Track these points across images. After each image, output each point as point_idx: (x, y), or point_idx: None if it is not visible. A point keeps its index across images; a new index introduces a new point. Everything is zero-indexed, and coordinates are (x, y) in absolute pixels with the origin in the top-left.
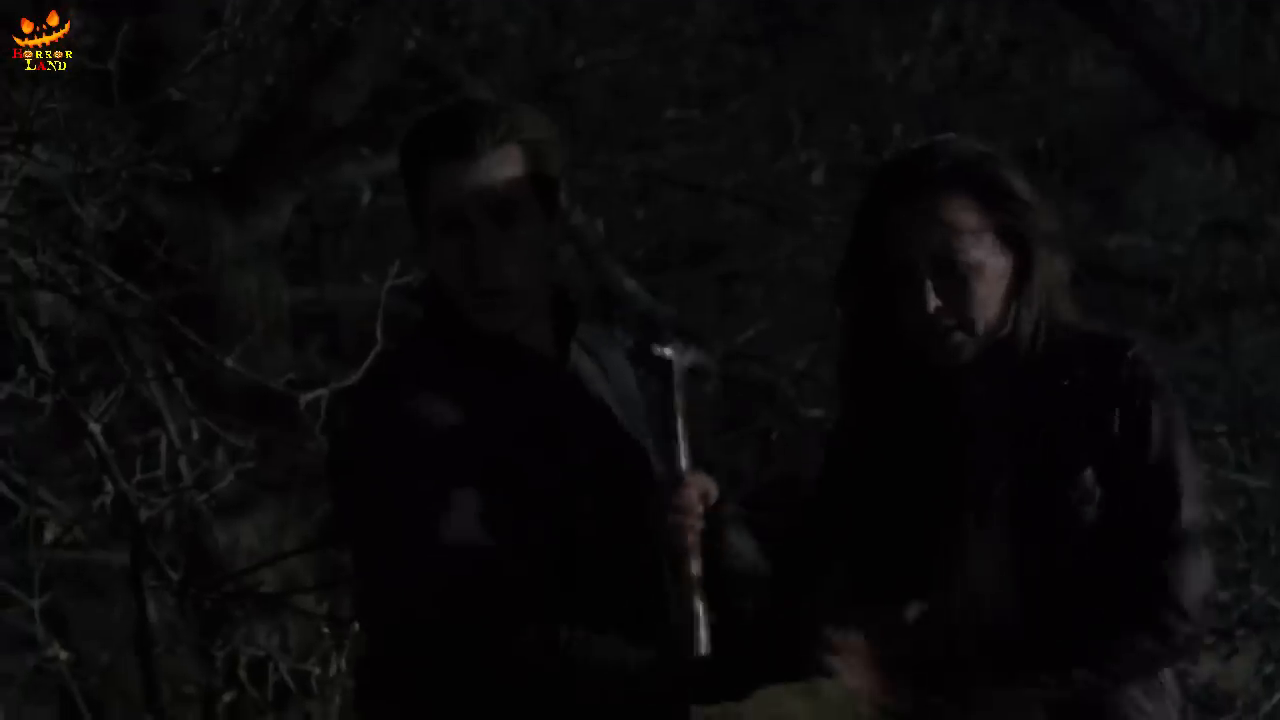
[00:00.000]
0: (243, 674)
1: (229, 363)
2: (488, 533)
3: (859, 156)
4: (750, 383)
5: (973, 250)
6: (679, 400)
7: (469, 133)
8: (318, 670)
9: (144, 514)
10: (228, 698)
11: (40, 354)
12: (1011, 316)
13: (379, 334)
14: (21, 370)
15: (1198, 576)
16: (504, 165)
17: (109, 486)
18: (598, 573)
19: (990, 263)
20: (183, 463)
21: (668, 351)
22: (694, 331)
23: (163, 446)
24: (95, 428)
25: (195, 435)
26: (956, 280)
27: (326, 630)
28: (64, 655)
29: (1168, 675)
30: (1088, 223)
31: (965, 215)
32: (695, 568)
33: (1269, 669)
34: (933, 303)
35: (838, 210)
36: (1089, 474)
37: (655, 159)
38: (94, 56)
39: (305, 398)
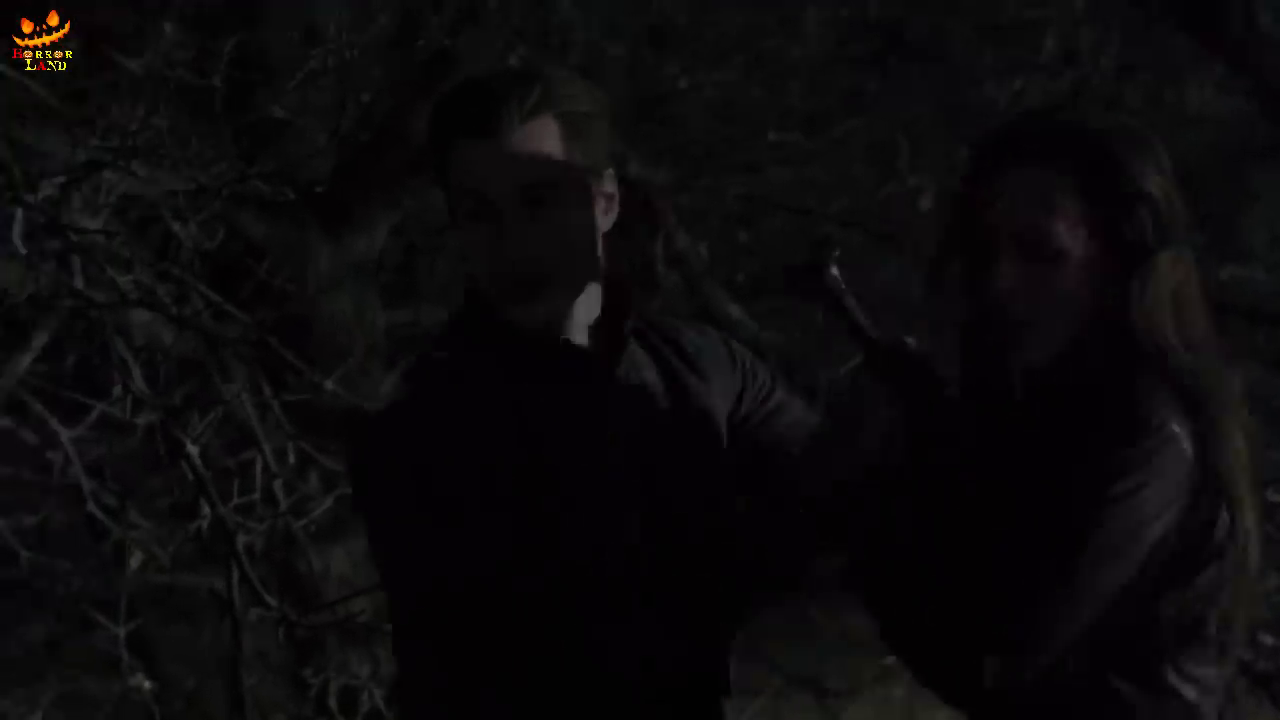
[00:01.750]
0: (333, 702)
1: (329, 385)
2: (509, 547)
3: None
4: None
5: (1064, 236)
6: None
7: (493, 107)
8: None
9: (241, 539)
10: None
11: (136, 373)
12: (1102, 324)
13: None
14: (117, 390)
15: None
16: (535, 141)
17: (205, 510)
18: (636, 597)
19: (1079, 255)
20: (278, 486)
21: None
22: (797, 359)
23: (258, 469)
24: (193, 450)
25: (291, 459)
26: (1039, 266)
27: None
28: (148, 685)
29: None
30: (1199, 253)
31: (1063, 195)
32: None
33: None
34: (1005, 282)
35: None
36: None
37: (759, 183)
38: (192, 72)
39: None
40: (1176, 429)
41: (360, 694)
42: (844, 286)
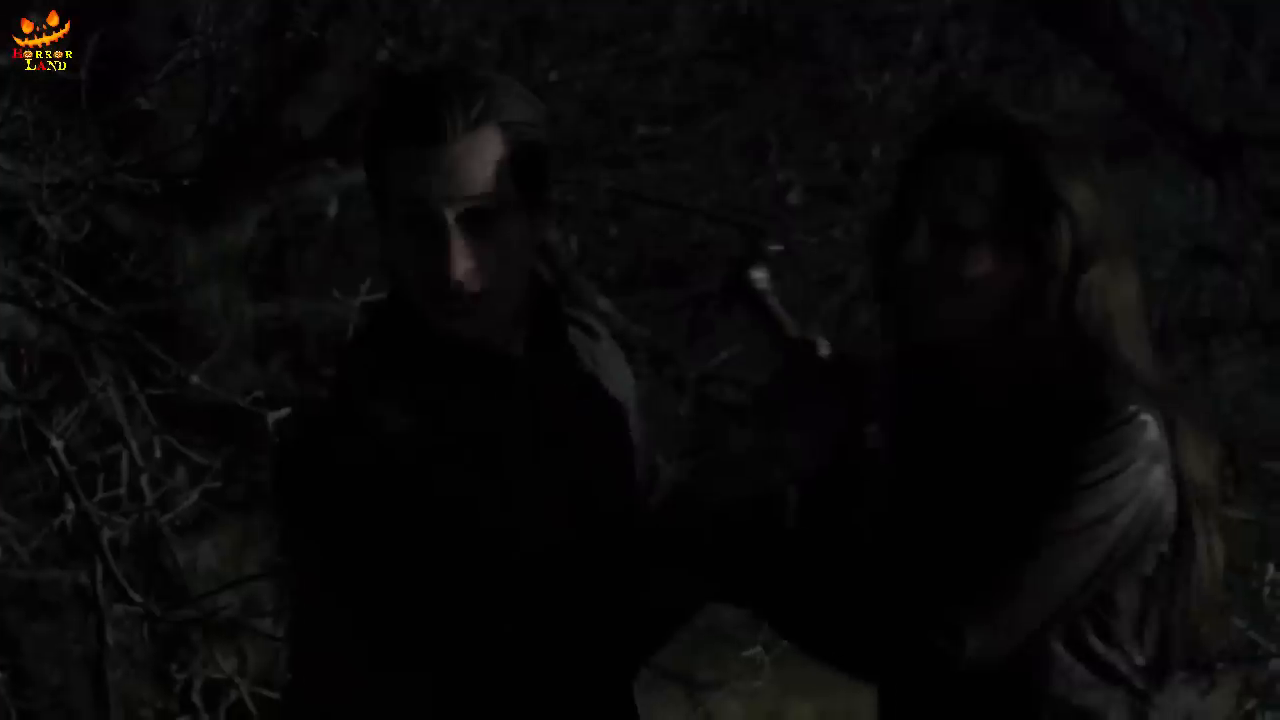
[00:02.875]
0: (197, 699)
1: (194, 379)
2: (435, 588)
3: (836, 177)
4: (723, 405)
5: (976, 218)
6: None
7: (438, 113)
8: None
9: (106, 534)
10: None
11: (0, 368)
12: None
13: None
14: None
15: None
16: (479, 152)
17: (69, 505)
18: (545, 613)
19: (992, 242)
20: (144, 481)
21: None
22: (666, 353)
23: (124, 464)
24: (58, 444)
25: (157, 453)
26: (950, 245)
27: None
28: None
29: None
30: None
31: (984, 180)
32: None
33: (1250, 704)
34: (913, 257)
35: (814, 230)
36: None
37: (629, 177)
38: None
39: (274, 416)
40: (1146, 417)
41: (225, 689)
42: (768, 287)
